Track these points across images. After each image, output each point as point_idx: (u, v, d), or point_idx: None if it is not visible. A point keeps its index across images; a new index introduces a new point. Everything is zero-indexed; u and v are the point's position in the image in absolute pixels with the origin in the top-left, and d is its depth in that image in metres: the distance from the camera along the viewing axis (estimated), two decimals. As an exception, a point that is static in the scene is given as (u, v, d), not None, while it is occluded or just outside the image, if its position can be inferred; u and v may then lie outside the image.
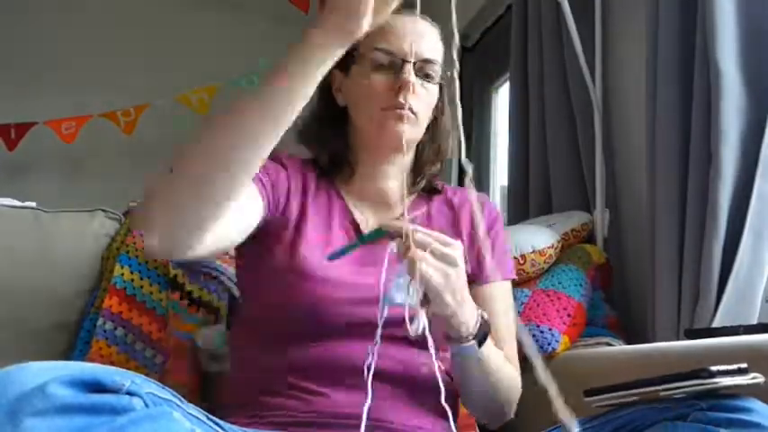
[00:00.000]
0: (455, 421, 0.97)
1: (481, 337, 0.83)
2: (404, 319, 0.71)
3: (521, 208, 1.85)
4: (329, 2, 0.72)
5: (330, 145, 1.00)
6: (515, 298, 1.29)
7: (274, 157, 0.92)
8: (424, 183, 1.05)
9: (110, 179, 3.20)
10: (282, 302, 0.88)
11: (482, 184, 2.60)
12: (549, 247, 1.36)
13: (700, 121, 1.22)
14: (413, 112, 0.93)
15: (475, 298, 0.97)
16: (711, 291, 1.13)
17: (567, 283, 1.30)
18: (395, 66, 0.93)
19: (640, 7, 1.49)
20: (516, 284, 1.34)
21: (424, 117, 0.97)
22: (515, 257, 1.32)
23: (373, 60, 0.94)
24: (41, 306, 1.19)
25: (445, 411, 0.93)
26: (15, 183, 3.01)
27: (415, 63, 0.93)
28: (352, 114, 0.99)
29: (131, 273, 1.22)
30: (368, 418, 0.84)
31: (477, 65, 2.74)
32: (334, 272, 0.88)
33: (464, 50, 2.78)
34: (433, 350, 0.70)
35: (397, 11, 0.90)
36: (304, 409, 0.85)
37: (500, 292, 1.01)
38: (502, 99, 2.62)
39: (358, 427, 0.83)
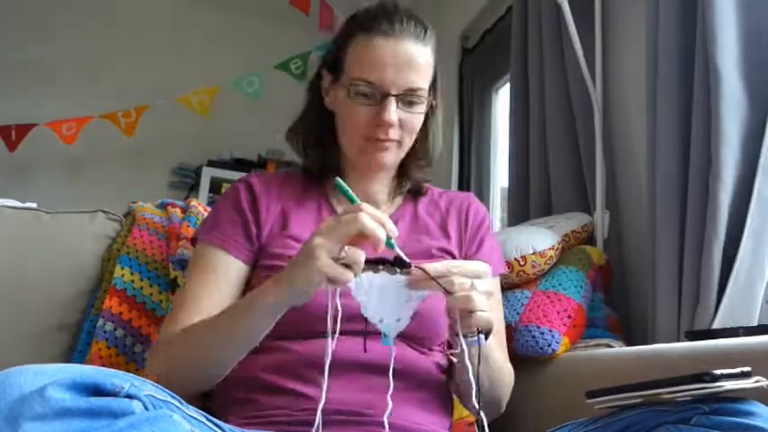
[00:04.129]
0: (450, 418, 0.98)
1: (486, 330, 0.83)
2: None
3: (521, 209, 1.85)
4: (287, 273, 0.76)
5: (319, 148, 1.02)
6: (516, 299, 1.30)
7: (238, 190, 1.00)
8: (410, 185, 1.06)
9: (110, 180, 3.21)
10: None
11: (482, 184, 2.60)
12: (549, 249, 1.36)
13: (700, 122, 1.22)
14: (395, 142, 0.95)
15: None
16: (711, 292, 1.13)
17: (567, 285, 1.30)
18: (376, 98, 0.93)
19: (640, 8, 1.49)
20: (516, 286, 1.34)
21: (408, 140, 0.98)
22: (516, 259, 1.32)
23: (356, 92, 0.93)
24: (42, 307, 1.19)
25: (443, 408, 0.94)
26: (16, 184, 3.01)
27: (397, 95, 0.92)
28: (341, 135, 1.00)
29: (132, 274, 1.21)
30: (366, 414, 0.84)
31: (477, 66, 2.75)
32: None
33: (464, 51, 2.79)
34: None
35: (390, 29, 0.92)
36: (298, 407, 0.85)
37: (490, 286, 1.02)
38: (502, 100, 2.62)
39: (352, 422, 0.84)
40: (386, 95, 0.92)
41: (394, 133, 0.94)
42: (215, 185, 3.36)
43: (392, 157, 0.97)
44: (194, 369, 0.86)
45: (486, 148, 2.64)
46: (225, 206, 1.00)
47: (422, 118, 0.98)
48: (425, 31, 0.96)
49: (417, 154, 1.04)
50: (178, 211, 1.33)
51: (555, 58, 1.76)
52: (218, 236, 0.96)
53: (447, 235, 1.03)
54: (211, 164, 3.45)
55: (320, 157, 1.03)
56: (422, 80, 0.94)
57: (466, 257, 1.03)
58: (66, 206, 1.33)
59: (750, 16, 1.20)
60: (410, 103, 0.94)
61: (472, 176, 2.65)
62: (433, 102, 1.00)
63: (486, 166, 2.61)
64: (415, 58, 0.93)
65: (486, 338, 0.83)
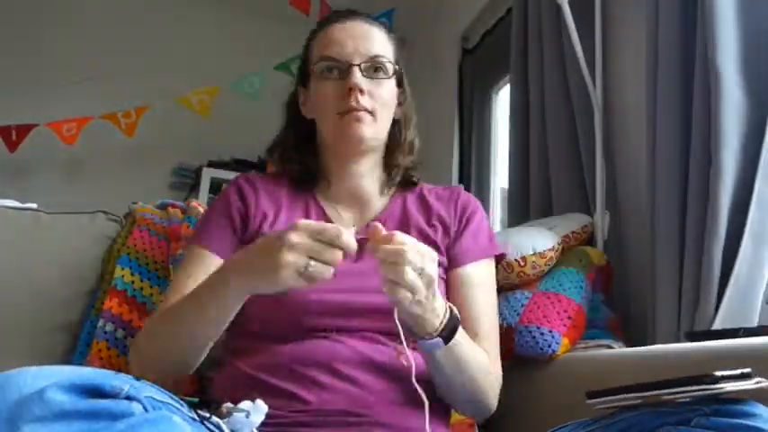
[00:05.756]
0: (448, 418, 0.98)
1: (448, 333, 0.83)
2: (390, 310, 0.78)
3: (521, 210, 1.85)
4: (254, 250, 0.78)
5: (300, 159, 1.05)
6: (516, 300, 1.29)
7: (228, 193, 1.03)
8: (400, 177, 1.07)
9: (110, 181, 3.20)
10: (269, 300, 0.88)
11: (482, 184, 2.60)
12: (549, 250, 1.36)
13: (700, 122, 1.22)
14: (369, 112, 0.97)
15: (454, 282, 0.99)
16: (712, 293, 1.13)
17: (567, 286, 1.30)
18: (341, 71, 0.98)
19: (640, 8, 1.49)
20: (516, 287, 1.34)
21: (383, 113, 1.01)
22: (516, 260, 1.32)
23: (321, 70, 1.00)
24: (42, 307, 1.19)
25: (440, 409, 0.94)
26: (16, 184, 3.01)
27: (360, 64, 0.97)
28: (317, 123, 1.04)
29: (132, 275, 1.22)
30: (361, 415, 0.84)
31: (477, 67, 2.75)
32: None
33: (464, 52, 2.79)
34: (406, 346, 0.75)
35: (341, 18, 1.02)
36: (292, 408, 0.85)
37: (478, 274, 1.02)
38: (502, 100, 2.62)
39: (347, 423, 0.84)
40: (350, 66, 0.97)
41: (364, 101, 0.97)
42: (215, 186, 3.35)
43: (368, 129, 0.98)
44: (173, 341, 0.89)
45: (486, 148, 2.64)
46: (213, 210, 1.04)
47: (391, 89, 1.02)
48: (377, 22, 1.05)
49: (398, 142, 1.06)
50: (178, 211, 1.33)
51: (555, 58, 1.76)
52: (204, 237, 0.99)
53: (434, 227, 1.04)
54: (211, 164, 3.45)
55: (304, 164, 1.05)
56: (381, 49, 1.01)
57: (454, 238, 1.03)
58: (67, 206, 1.33)
59: (750, 16, 1.20)
60: (375, 70, 0.99)
61: (472, 177, 2.65)
62: (404, 89, 1.06)
63: (486, 167, 2.61)
64: (370, 31, 1.02)
65: (448, 342, 0.83)
